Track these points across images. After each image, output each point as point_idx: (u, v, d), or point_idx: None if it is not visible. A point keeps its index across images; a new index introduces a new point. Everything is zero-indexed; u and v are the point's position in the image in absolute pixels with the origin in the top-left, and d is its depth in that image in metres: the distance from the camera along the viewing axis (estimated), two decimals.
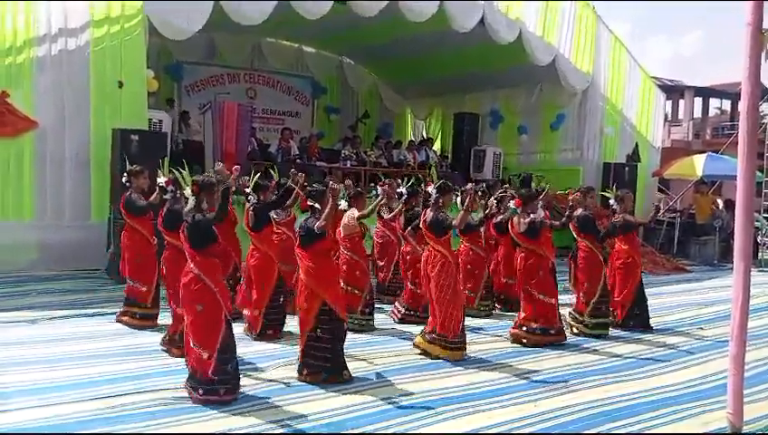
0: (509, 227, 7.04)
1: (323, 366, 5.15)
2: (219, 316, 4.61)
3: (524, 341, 6.57)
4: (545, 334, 6.59)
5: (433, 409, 4.67)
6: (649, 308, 7.61)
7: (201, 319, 4.62)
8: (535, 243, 6.64)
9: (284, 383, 5.10)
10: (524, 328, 6.63)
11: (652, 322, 7.68)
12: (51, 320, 6.99)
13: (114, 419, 4.29)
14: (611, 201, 7.58)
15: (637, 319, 7.50)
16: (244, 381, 4.94)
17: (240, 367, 4.94)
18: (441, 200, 6.05)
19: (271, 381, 5.17)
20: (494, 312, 8.05)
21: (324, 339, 5.15)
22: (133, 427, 4.18)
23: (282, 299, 6.61)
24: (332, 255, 5.49)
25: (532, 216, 6.64)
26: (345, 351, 5.34)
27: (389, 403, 4.77)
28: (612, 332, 7.26)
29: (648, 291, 7.68)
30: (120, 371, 5.32)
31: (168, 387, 4.90)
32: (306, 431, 4.24)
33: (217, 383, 4.58)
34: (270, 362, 5.62)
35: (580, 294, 7.21)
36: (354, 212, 6.74)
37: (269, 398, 4.78)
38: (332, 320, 5.17)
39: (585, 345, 6.70)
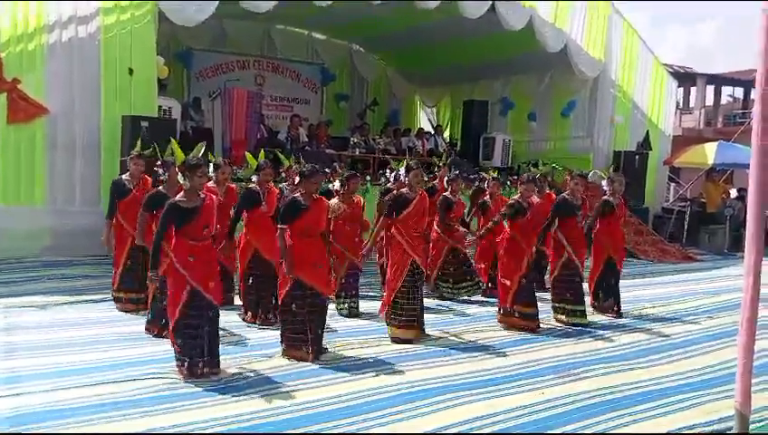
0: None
1: (302, 341, 5.32)
2: (180, 291, 4.77)
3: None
4: (498, 312, 6.87)
5: (434, 397, 4.67)
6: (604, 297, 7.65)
7: (169, 293, 4.83)
8: (511, 225, 6.75)
9: (283, 370, 5.14)
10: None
11: (661, 310, 7.78)
12: (61, 305, 7.06)
13: (123, 403, 4.33)
14: (603, 183, 7.77)
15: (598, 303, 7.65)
16: (255, 365, 5.03)
17: (239, 354, 5.24)
18: (408, 181, 6.20)
19: (271, 368, 5.18)
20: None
21: (299, 314, 5.31)
22: (141, 411, 4.22)
23: (251, 281, 6.62)
24: (317, 234, 5.51)
25: (516, 199, 6.80)
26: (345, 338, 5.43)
27: (389, 391, 4.77)
28: (619, 321, 7.27)
29: (656, 280, 7.69)
30: (130, 356, 5.36)
31: (173, 371, 4.93)
32: (302, 419, 4.25)
33: (183, 356, 4.82)
34: (268, 350, 5.64)
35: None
36: (334, 202, 6.76)
37: (267, 384, 4.81)
38: (306, 297, 5.32)
39: (592, 333, 6.69)
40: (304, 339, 5.34)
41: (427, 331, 6.35)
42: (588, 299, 7.47)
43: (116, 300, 6.97)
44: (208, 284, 4.85)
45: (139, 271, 6.62)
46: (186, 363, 4.82)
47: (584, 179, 7.34)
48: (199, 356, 4.82)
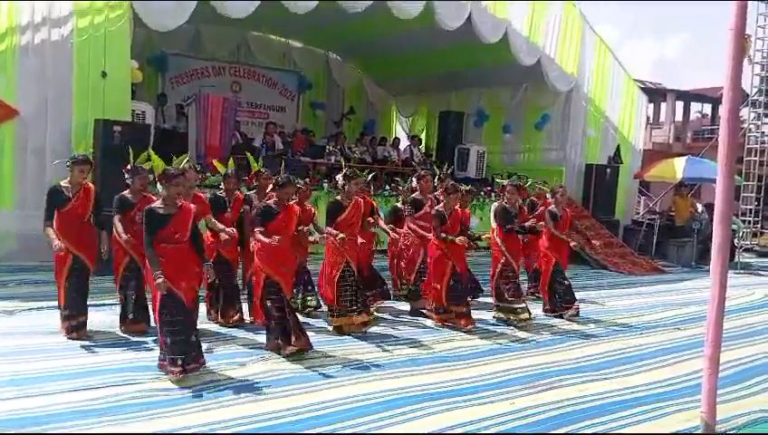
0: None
1: (279, 335, 5.66)
2: (156, 291, 4.92)
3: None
4: (436, 312, 7.19)
5: (409, 405, 4.67)
6: (558, 298, 7.95)
7: (152, 295, 5.00)
8: (435, 231, 7.07)
9: (264, 378, 5.11)
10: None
11: (630, 321, 7.95)
12: (29, 311, 6.93)
13: (97, 411, 4.27)
14: (548, 194, 8.45)
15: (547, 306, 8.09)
16: (229, 373, 5.04)
17: (221, 360, 5.23)
18: (347, 188, 6.60)
19: (252, 374, 5.16)
20: None
21: (274, 309, 5.67)
22: (115, 419, 4.16)
23: (216, 282, 6.57)
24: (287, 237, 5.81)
25: (438, 209, 7.16)
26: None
27: (355, 401, 4.74)
28: (588, 331, 7.36)
29: (626, 291, 7.82)
30: (101, 362, 5.29)
31: (150, 379, 4.89)
32: (284, 426, 4.24)
33: (168, 353, 4.95)
34: (250, 357, 5.62)
35: None
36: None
37: (245, 392, 4.78)
38: (277, 292, 5.69)
39: (562, 344, 6.76)
40: (282, 332, 5.64)
41: (400, 341, 6.45)
42: (540, 303, 8.00)
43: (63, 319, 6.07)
44: (180, 283, 4.99)
45: (80, 290, 6.05)
46: (171, 360, 4.92)
47: (520, 189, 7.94)
48: (183, 353, 4.91)
